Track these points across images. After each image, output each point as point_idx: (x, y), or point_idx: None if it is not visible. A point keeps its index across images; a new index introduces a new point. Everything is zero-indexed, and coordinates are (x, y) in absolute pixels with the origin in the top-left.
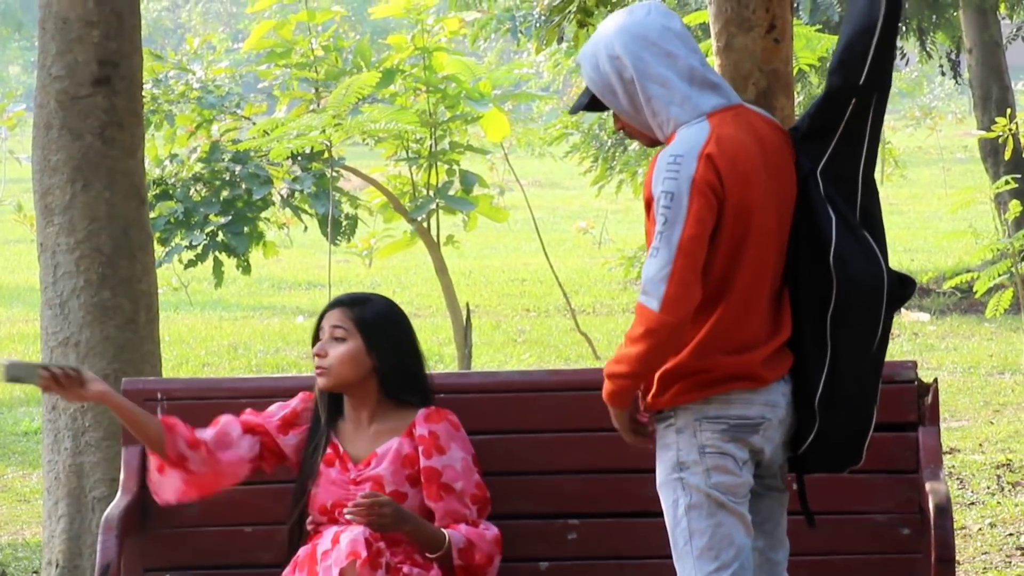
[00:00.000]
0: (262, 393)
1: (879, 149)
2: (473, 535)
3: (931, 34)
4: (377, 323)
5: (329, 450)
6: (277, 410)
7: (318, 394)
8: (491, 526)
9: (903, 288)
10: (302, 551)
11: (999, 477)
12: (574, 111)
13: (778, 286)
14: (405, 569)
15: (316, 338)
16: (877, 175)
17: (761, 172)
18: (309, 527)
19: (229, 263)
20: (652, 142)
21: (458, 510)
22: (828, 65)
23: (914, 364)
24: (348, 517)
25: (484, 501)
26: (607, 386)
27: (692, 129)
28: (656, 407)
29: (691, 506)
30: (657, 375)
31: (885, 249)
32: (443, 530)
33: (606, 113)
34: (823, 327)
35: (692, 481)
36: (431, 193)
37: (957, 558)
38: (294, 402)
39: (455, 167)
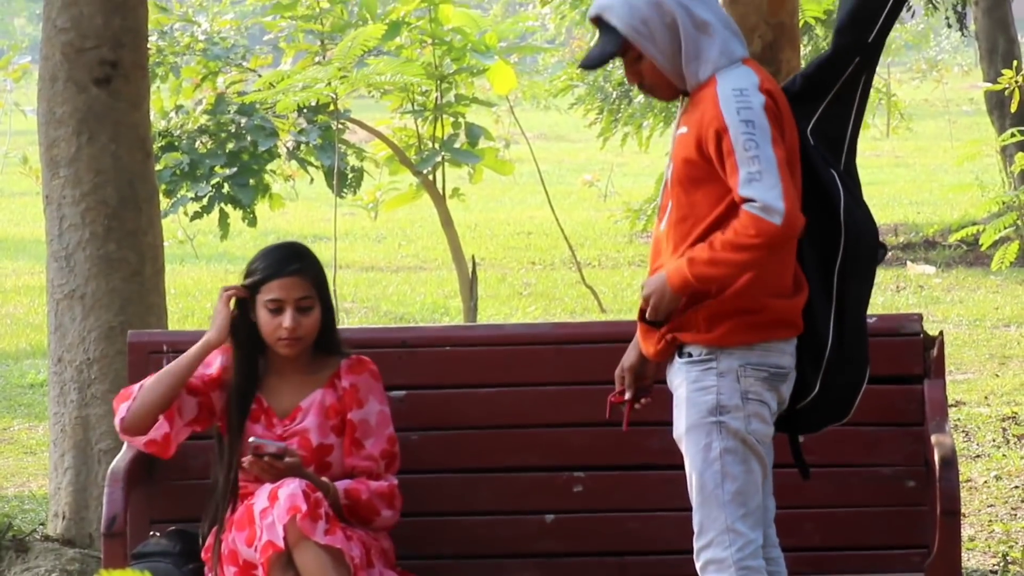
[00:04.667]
0: None
1: (863, 117)
2: (356, 484)
3: None
4: (324, 279)
5: (253, 405)
6: (203, 369)
7: (238, 352)
8: (390, 478)
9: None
10: (238, 512)
11: (1004, 430)
12: (590, 66)
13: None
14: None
15: (251, 295)
16: (883, 128)
17: (792, 123)
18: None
19: (235, 215)
20: (673, 94)
21: (366, 465)
22: (836, 23)
23: (920, 317)
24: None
25: (393, 456)
26: (684, 278)
27: (736, 71)
28: (698, 342)
29: (727, 450)
30: (705, 314)
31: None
32: (330, 482)
33: (611, 65)
34: (830, 280)
35: (732, 425)
36: (437, 146)
37: (962, 511)
38: (219, 357)
39: (460, 120)
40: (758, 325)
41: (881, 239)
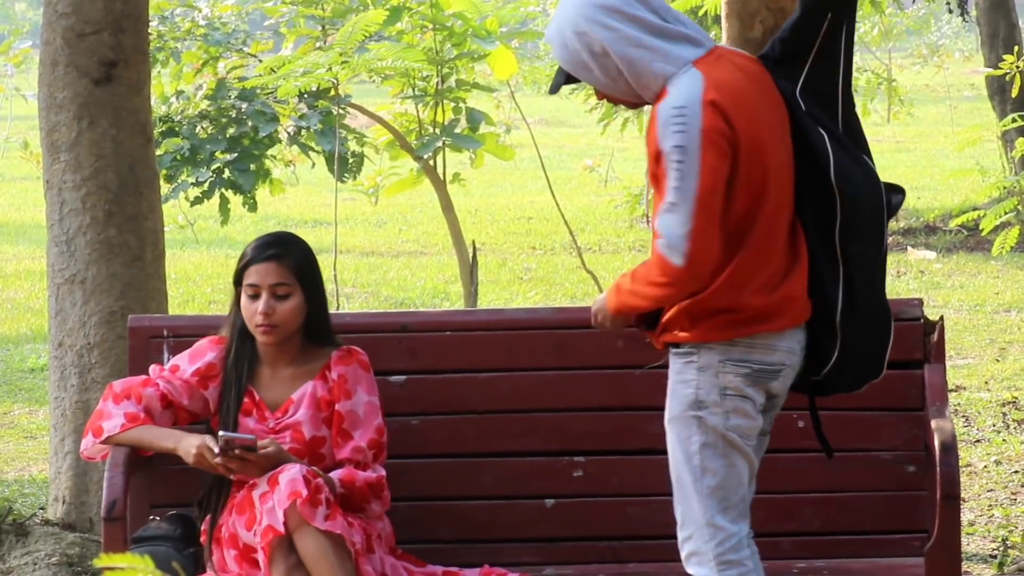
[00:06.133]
0: None
1: (852, 66)
2: (349, 473)
3: None
4: (308, 268)
5: (245, 399)
6: (188, 363)
7: (233, 343)
8: (378, 468)
9: (895, 195)
10: (238, 496)
11: (1005, 415)
12: (553, 91)
13: (792, 215)
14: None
15: (238, 284)
16: (884, 113)
17: (762, 107)
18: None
19: (235, 201)
20: (636, 104)
21: (354, 457)
22: None
23: (920, 302)
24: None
25: (381, 447)
26: (617, 307)
27: (684, 79)
28: (679, 341)
29: (705, 444)
30: (684, 310)
31: (872, 159)
32: (323, 473)
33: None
34: (832, 243)
35: (710, 421)
36: (437, 131)
37: (962, 495)
38: (208, 353)
39: (461, 105)
40: (738, 322)
41: (895, 185)
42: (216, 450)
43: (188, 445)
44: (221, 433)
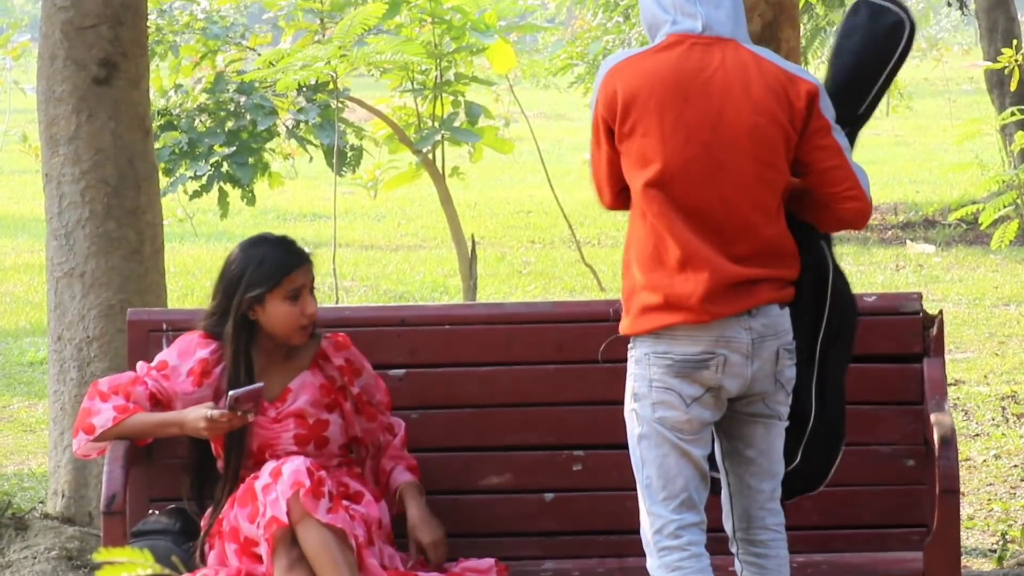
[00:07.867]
0: None
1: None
2: (407, 463)
3: None
4: None
5: None
6: (179, 360)
7: (235, 342)
8: (400, 423)
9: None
10: (239, 489)
11: (1004, 409)
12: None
13: (750, 221)
14: (344, 502)
15: (262, 292)
16: (883, 107)
17: (665, 99)
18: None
19: (234, 194)
20: None
21: (383, 421)
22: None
23: (919, 296)
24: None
25: (390, 403)
26: None
27: (634, 50)
28: (624, 333)
29: (642, 436)
30: (624, 303)
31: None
32: (411, 485)
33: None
34: (814, 349)
35: (642, 413)
36: (436, 124)
37: (961, 489)
38: (198, 350)
39: (460, 98)
40: (647, 309)
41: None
42: (215, 415)
43: (195, 421)
44: (230, 393)
